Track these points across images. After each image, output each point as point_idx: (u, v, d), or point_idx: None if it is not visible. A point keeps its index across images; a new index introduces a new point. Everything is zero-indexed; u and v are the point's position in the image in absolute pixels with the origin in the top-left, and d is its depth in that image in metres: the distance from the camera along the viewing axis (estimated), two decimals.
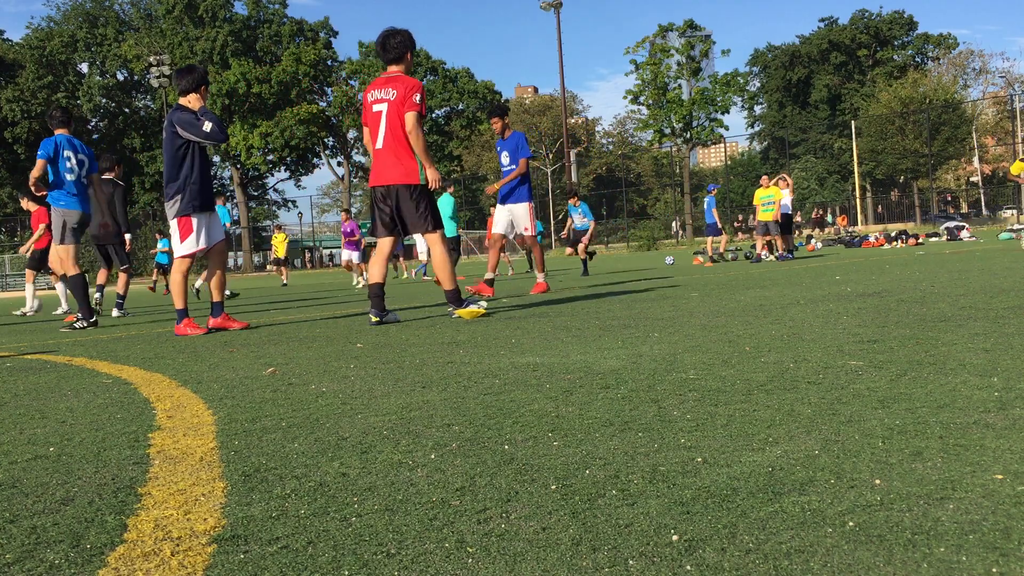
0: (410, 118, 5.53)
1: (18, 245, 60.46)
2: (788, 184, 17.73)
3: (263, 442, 2.16)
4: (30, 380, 3.77)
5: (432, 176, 5.67)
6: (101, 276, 10.18)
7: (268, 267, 18.66)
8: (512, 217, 8.88)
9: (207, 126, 5.83)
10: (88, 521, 1.57)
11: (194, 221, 5.93)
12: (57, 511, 1.64)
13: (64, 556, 1.39)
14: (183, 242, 5.92)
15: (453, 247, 15.30)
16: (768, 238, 17.05)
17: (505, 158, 8.83)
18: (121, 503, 1.67)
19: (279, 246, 21.54)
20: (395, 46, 5.69)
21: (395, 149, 5.60)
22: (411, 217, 5.68)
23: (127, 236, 9.79)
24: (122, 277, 9.83)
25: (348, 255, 18.70)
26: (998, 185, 60.82)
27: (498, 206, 8.96)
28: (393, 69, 5.73)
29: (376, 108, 5.65)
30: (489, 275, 8.74)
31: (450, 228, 14.97)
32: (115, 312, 9.57)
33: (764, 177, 17.74)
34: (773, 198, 16.79)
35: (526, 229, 8.84)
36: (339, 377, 3.24)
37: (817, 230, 46.02)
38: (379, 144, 5.66)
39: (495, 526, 1.41)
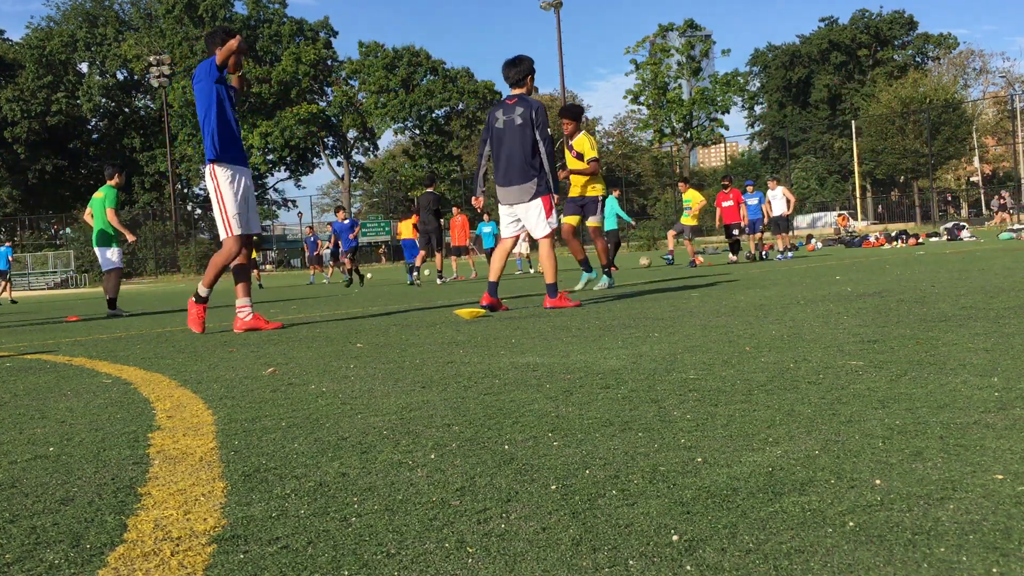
0: None
1: (17, 245, 60.45)
2: (778, 185, 17.62)
3: (263, 442, 2.16)
4: (30, 380, 3.76)
5: None
6: (419, 259, 14.90)
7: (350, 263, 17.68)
8: None
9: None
10: (88, 521, 1.56)
11: (552, 200, 6.39)
12: (57, 511, 1.64)
13: (64, 556, 1.39)
14: (548, 218, 6.36)
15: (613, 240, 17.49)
16: (674, 237, 17.15)
17: None
18: (121, 503, 1.67)
19: None
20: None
21: None
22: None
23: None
24: (437, 257, 14.93)
25: None
26: (998, 185, 60.79)
27: None
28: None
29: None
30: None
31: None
32: (437, 281, 14.74)
33: (681, 183, 17.68)
34: (691, 203, 16.75)
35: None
36: (339, 377, 3.24)
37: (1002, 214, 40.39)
38: None
39: (495, 526, 1.41)
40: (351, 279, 17.79)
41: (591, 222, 8.78)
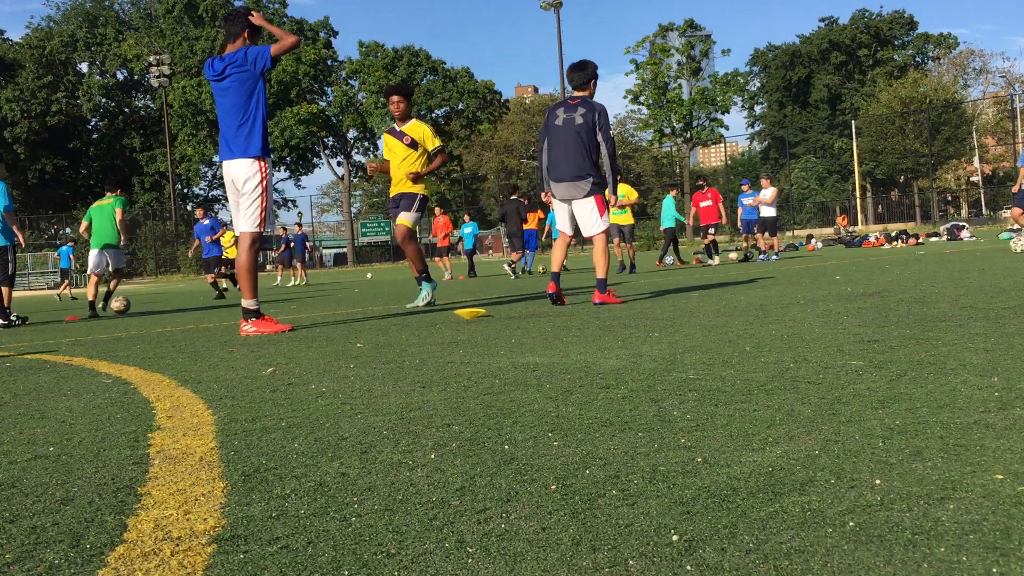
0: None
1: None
2: (771, 185, 17.38)
3: (263, 442, 2.16)
4: (30, 380, 3.76)
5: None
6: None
7: (224, 270, 14.59)
8: None
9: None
10: (88, 521, 1.56)
11: (605, 199, 6.59)
12: (57, 511, 1.64)
13: (64, 556, 1.39)
14: (602, 216, 6.55)
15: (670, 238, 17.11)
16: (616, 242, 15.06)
17: None
18: (121, 503, 1.67)
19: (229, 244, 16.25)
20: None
21: None
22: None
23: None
24: (515, 255, 17.19)
25: None
26: (998, 185, 60.81)
27: None
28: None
29: None
30: None
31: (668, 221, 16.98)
32: (510, 273, 16.09)
33: None
34: (625, 198, 14.81)
35: None
36: (339, 377, 3.24)
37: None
38: None
39: (495, 526, 1.41)
40: (220, 292, 14.78)
41: (402, 219, 7.33)
